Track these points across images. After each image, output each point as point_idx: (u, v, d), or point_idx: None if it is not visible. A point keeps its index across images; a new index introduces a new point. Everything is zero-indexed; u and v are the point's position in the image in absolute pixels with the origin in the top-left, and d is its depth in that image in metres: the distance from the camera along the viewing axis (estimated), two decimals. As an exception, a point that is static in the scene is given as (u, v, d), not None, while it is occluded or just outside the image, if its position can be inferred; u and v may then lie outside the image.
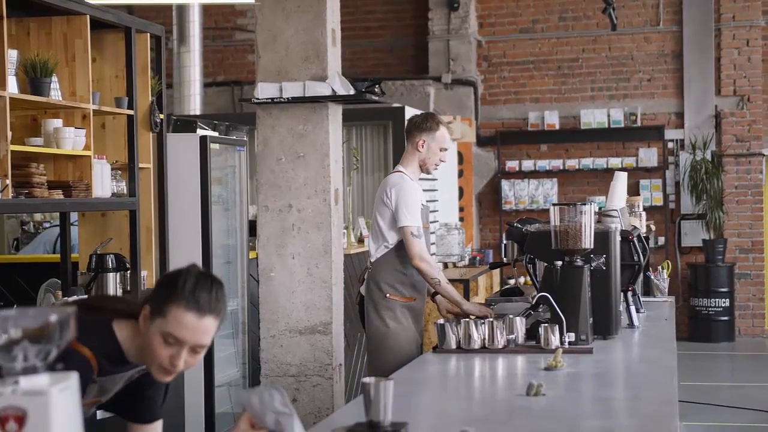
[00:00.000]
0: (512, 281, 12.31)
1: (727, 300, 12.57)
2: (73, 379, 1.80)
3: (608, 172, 12.90)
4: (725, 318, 12.59)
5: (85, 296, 5.03)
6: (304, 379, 5.95)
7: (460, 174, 12.67)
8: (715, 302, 12.55)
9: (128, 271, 5.69)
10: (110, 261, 5.52)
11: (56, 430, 1.73)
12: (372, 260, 5.41)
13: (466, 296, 9.03)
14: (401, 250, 5.27)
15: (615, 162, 12.93)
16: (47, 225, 8.74)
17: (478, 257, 11.07)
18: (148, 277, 5.98)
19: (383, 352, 5.29)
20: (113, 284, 5.52)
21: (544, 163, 13.19)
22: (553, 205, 4.55)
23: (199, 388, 6.46)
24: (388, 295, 5.31)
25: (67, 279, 5.65)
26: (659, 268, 6.70)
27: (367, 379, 2.76)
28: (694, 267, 12.76)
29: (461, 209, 12.66)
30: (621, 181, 5.64)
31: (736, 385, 10.25)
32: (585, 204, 4.50)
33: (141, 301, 2.76)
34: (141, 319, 2.70)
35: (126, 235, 5.78)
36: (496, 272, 11.35)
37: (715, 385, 10.17)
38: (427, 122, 5.42)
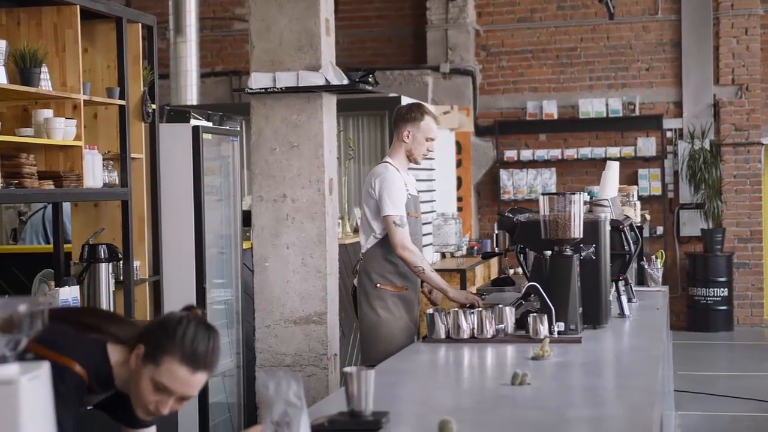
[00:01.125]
0: (511, 271, 12.32)
1: (726, 289, 12.57)
2: (43, 368, 1.80)
3: (607, 162, 12.86)
4: (724, 307, 12.59)
5: (80, 307, 4.96)
6: (299, 369, 5.95)
7: (459, 164, 12.67)
8: (714, 292, 12.55)
9: (121, 262, 5.69)
10: (102, 251, 5.52)
11: (25, 420, 1.73)
12: (362, 251, 5.44)
13: (463, 286, 9.03)
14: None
15: (613, 151, 12.92)
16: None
17: (476, 247, 11.06)
18: (141, 267, 5.98)
19: (375, 342, 5.31)
20: (105, 274, 5.51)
21: (542, 153, 13.18)
22: (543, 194, 4.55)
23: (192, 378, 6.46)
24: (378, 285, 5.34)
25: (60, 269, 5.65)
26: (653, 257, 6.69)
27: (348, 369, 2.77)
28: (693, 256, 12.75)
29: (460, 199, 12.66)
30: (613, 170, 5.64)
31: (734, 374, 10.25)
32: (574, 194, 4.50)
33: (136, 335, 2.72)
34: (134, 357, 2.67)
35: (118, 225, 5.78)
36: (494, 262, 11.35)
37: (713, 374, 10.18)
38: (411, 113, 5.44)
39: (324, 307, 5.99)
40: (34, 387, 1.76)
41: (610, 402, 3.22)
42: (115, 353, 2.72)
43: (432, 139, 5.46)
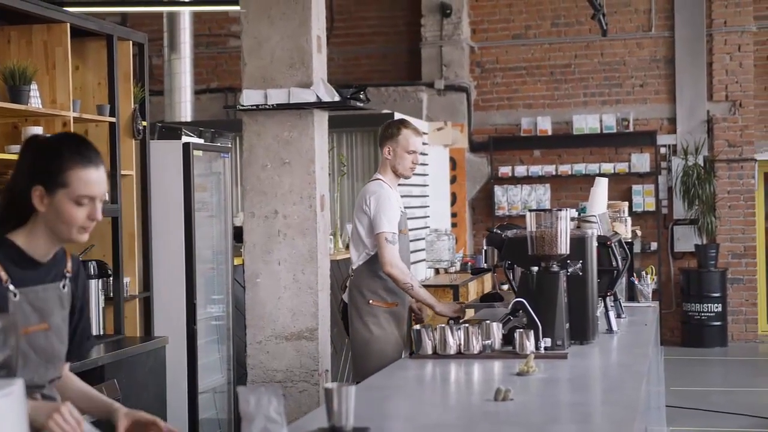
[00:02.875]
0: (505, 287, 12.32)
1: (720, 305, 12.58)
2: (17, 385, 1.81)
3: (596, 179, 12.88)
4: (718, 323, 12.60)
5: None
6: (291, 385, 5.96)
7: (453, 180, 12.70)
8: (708, 307, 12.55)
9: (110, 278, 5.71)
10: (92, 268, 5.53)
11: (-2, 436, 1.74)
12: (353, 267, 5.49)
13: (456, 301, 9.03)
14: None
15: (607, 167, 12.95)
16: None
17: (470, 263, 11.07)
18: (131, 283, 6.00)
19: (367, 358, 5.33)
20: (95, 291, 5.53)
21: (536, 169, 13.20)
22: (530, 211, 4.57)
23: (182, 394, 6.48)
24: (371, 301, 5.38)
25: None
26: (643, 273, 6.70)
27: (329, 385, 2.79)
28: (687, 272, 12.77)
29: (454, 215, 12.68)
30: (601, 186, 5.66)
31: (728, 390, 10.26)
32: (561, 210, 4.52)
33: (18, 186, 2.79)
34: (37, 201, 2.76)
35: (108, 241, 5.79)
36: (488, 278, 11.35)
37: (707, 389, 10.18)
38: (388, 129, 5.60)
39: (315, 323, 5.99)
40: (6, 404, 1.77)
41: (592, 418, 3.23)
42: (17, 237, 2.79)
43: (413, 152, 5.54)
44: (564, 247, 4.48)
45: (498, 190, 13.28)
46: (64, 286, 2.90)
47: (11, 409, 1.78)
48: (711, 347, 12.48)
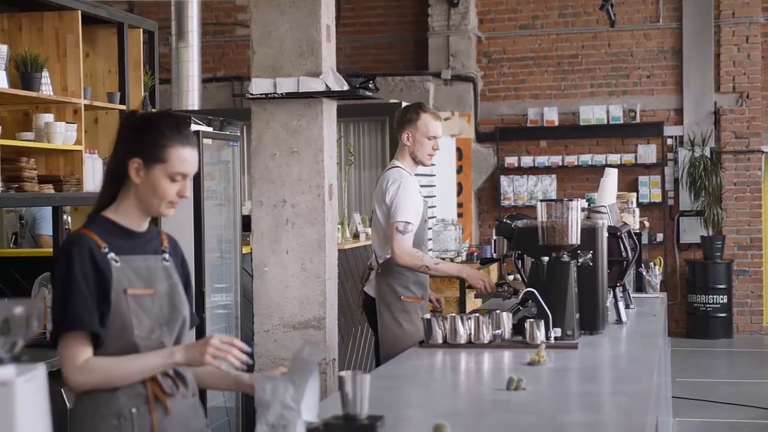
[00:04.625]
0: (510, 277, 12.32)
1: (725, 296, 12.58)
2: (39, 370, 1.82)
3: (605, 169, 12.88)
4: (723, 314, 12.60)
5: None
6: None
7: (459, 170, 12.70)
8: (713, 299, 12.56)
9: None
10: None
11: (21, 421, 1.75)
12: (380, 261, 5.35)
13: (462, 291, 9.02)
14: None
15: (614, 158, 12.94)
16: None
17: (476, 253, 11.06)
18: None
19: (399, 353, 5.22)
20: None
21: (543, 160, 13.20)
22: (540, 201, 4.56)
23: (191, 383, 6.48)
24: (403, 297, 5.28)
25: (60, 273, 5.66)
26: (652, 264, 6.71)
27: (343, 373, 2.79)
28: (693, 263, 12.77)
29: (460, 205, 12.68)
30: (611, 177, 5.66)
31: (733, 381, 10.26)
32: (572, 200, 4.51)
33: (116, 160, 2.94)
34: (133, 174, 2.90)
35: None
36: (494, 267, 11.35)
37: (712, 381, 10.18)
38: (407, 114, 5.42)
39: (323, 312, 5.99)
40: (30, 388, 1.78)
41: (604, 408, 3.23)
42: (110, 212, 2.95)
43: (433, 137, 5.39)
44: (575, 238, 4.48)
45: (504, 181, 13.27)
46: (165, 260, 3.02)
47: (34, 393, 1.79)
48: (716, 339, 12.48)
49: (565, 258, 4.50)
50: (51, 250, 6.31)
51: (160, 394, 2.91)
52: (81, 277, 2.82)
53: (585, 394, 3.53)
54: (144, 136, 2.92)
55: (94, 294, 2.83)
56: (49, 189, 5.02)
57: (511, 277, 11.51)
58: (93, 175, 5.35)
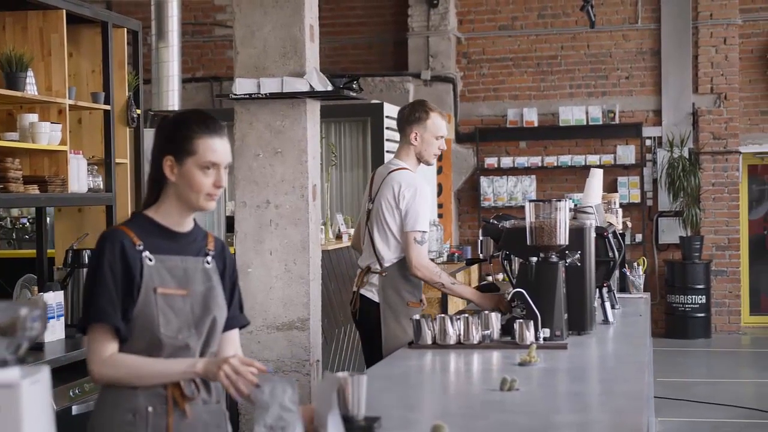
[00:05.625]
0: (489, 277, 12.36)
1: (704, 297, 12.65)
2: (44, 372, 1.80)
3: (586, 170, 12.81)
4: (701, 314, 12.67)
5: None
6: (282, 375, 5.95)
7: (439, 171, 12.70)
8: (692, 299, 12.62)
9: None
10: (87, 256, 5.50)
11: (28, 424, 1.73)
12: (386, 264, 5.17)
13: (443, 293, 9.01)
14: None
15: (593, 159, 12.99)
16: (24, 221, 8.70)
17: (456, 254, 11.08)
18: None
19: None
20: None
21: (522, 160, 13.23)
22: (529, 201, 4.56)
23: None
24: (409, 303, 5.14)
25: (44, 274, 5.62)
26: (635, 264, 6.73)
27: (341, 374, 2.78)
28: (671, 264, 12.83)
29: (440, 206, 12.69)
30: (597, 177, 5.67)
31: (711, 381, 10.32)
32: (560, 200, 4.52)
33: (155, 161, 2.99)
34: (168, 171, 2.95)
35: (102, 230, 5.75)
36: (474, 269, 11.38)
37: (691, 381, 10.23)
38: (415, 112, 5.22)
39: (307, 314, 5.99)
40: (35, 391, 1.76)
41: (598, 407, 3.23)
42: (150, 211, 2.99)
43: (441, 137, 5.23)
44: (563, 238, 4.49)
45: (484, 182, 13.29)
46: (207, 262, 3.03)
47: (40, 394, 1.78)
48: (695, 339, 12.55)
49: (554, 258, 4.51)
50: (33, 251, 6.25)
51: (179, 398, 2.92)
52: (108, 272, 2.86)
53: (579, 394, 3.53)
54: (173, 133, 2.98)
55: (120, 289, 2.86)
56: (34, 190, 4.98)
57: (489, 278, 11.54)
58: (78, 176, 5.32)
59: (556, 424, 3.00)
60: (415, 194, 5.10)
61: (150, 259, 2.91)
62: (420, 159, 5.29)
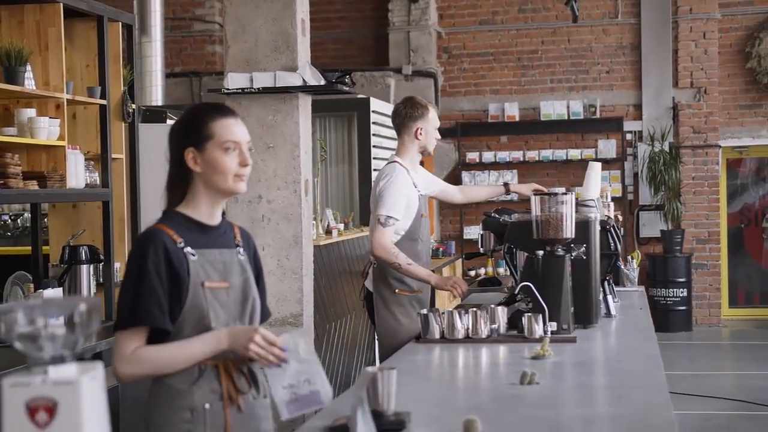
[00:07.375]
0: (482, 271, 12.37)
1: (685, 290, 12.71)
2: (99, 368, 1.77)
3: (568, 164, 12.99)
4: (683, 308, 12.74)
5: None
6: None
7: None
8: (673, 292, 12.69)
9: (101, 263, 5.62)
10: (83, 253, 5.45)
11: (87, 419, 1.71)
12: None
13: (432, 289, 9.00)
14: (405, 243, 5.23)
15: (575, 153, 13.02)
16: (6, 218, 8.61)
17: (440, 249, 11.08)
18: (121, 268, 5.91)
19: (396, 348, 5.18)
20: (86, 276, 5.44)
21: (504, 155, 13.23)
22: (535, 194, 4.55)
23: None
24: (397, 290, 5.28)
25: (39, 271, 5.56)
26: (629, 258, 6.74)
27: (371, 369, 2.75)
28: (653, 257, 12.88)
29: (422, 201, 12.65)
30: (596, 171, 5.67)
31: (693, 373, 10.37)
32: (566, 194, 4.51)
33: (176, 158, 2.96)
34: (191, 163, 2.93)
35: (98, 226, 5.70)
36: (458, 263, 11.38)
37: (673, 373, 10.27)
38: (417, 110, 5.43)
39: (300, 309, 5.97)
40: (93, 386, 1.74)
41: (626, 400, 3.20)
42: (181, 208, 2.97)
43: (437, 127, 5.55)
44: (569, 231, 4.48)
45: (466, 176, 13.29)
46: (240, 254, 3.03)
47: (96, 390, 1.75)
48: (676, 332, 12.61)
49: (560, 252, 4.50)
50: (23, 248, 6.20)
51: (233, 393, 2.89)
52: (154, 273, 2.84)
53: (598, 387, 3.53)
54: (188, 126, 2.97)
55: (167, 290, 2.84)
56: (33, 185, 4.92)
57: (482, 271, 11.53)
58: (75, 171, 5.26)
59: (587, 417, 2.98)
60: (389, 181, 5.24)
61: (193, 254, 2.90)
62: (423, 151, 5.50)
